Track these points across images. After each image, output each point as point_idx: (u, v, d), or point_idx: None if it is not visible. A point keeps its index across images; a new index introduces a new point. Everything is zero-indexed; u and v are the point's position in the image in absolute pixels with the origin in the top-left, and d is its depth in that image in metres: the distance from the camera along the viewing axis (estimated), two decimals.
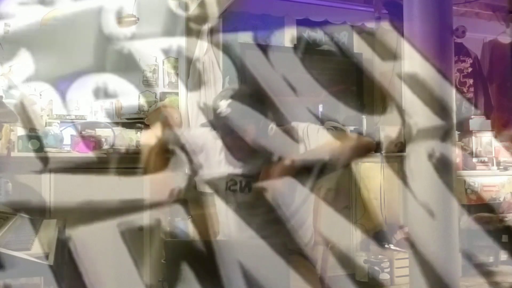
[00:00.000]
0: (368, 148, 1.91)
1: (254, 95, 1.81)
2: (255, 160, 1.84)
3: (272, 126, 1.80)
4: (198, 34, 3.70)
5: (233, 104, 1.72)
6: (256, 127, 1.77)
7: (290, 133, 1.89)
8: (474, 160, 4.33)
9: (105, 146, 3.44)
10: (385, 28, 4.30)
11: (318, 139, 1.84)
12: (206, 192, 2.02)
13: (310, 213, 1.98)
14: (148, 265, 3.25)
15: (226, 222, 1.93)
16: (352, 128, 4.21)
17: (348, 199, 3.94)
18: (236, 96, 1.76)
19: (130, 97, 3.74)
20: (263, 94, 1.85)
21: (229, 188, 1.90)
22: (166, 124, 1.85)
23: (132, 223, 3.01)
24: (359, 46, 4.66)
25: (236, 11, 3.96)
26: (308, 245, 1.96)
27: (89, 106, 3.60)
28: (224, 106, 1.72)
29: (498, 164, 4.42)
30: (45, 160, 3.12)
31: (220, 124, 1.77)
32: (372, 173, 3.99)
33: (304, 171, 1.76)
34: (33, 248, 1.66)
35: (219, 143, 1.89)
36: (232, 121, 1.73)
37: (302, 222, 1.91)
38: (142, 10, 3.67)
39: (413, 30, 2.44)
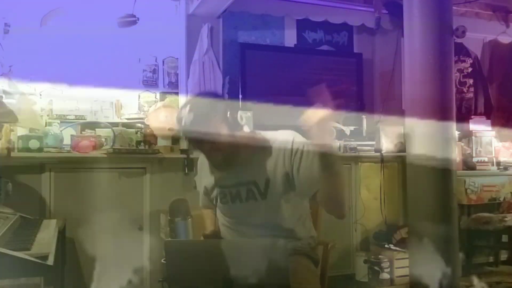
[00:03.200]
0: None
1: (209, 93, 1.86)
2: (238, 161, 1.78)
3: (241, 115, 1.74)
4: (198, 34, 3.70)
5: (194, 107, 1.69)
6: (225, 119, 1.70)
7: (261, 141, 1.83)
8: (474, 160, 4.34)
9: (105, 146, 3.44)
10: (385, 28, 4.30)
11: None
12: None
13: (308, 214, 1.97)
14: (148, 265, 3.26)
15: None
16: (352, 128, 4.21)
17: (348, 199, 3.93)
18: (193, 100, 1.77)
19: (130, 97, 3.74)
20: (217, 91, 1.85)
21: (221, 201, 1.88)
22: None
23: None
24: (359, 46, 4.66)
25: (236, 12, 3.96)
26: (310, 245, 1.95)
27: (89, 106, 3.60)
28: (185, 113, 1.67)
29: (498, 164, 4.42)
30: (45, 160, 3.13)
31: (191, 134, 1.71)
32: (372, 173, 3.99)
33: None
34: (33, 248, 1.66)
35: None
36: (200, 124, 1.67)
37: (302, 223, 1.91)
38: (142, 10, 3.67)
39: (413, 30, 2.44)
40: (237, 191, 1.83)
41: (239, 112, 1.75)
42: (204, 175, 1.95)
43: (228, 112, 1.71)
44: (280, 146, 1.80)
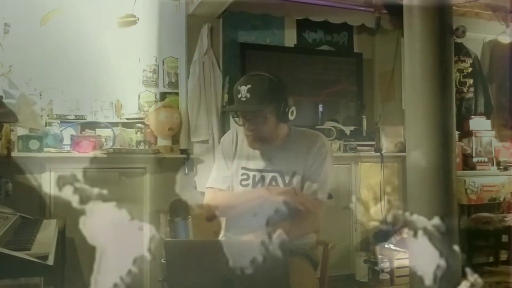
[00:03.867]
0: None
1: (274, 80, 1.80)
2: (272, 149, 1.85)
3: (293, 110, 1.82)
4: (198, 34, 3.70)
5: (254, 88, 1.75)
6: (276, 112, 1.79)
7: (310, 137, 1.91)
8: (474, 160, 4.34)
9: (105, 146, 3.44)
10: (385, 28, 4.30)
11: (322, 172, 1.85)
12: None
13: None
14: (148, 265, 3.26)
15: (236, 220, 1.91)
16: (352, 128, 4.22)
17: (348, 199, 3.94)
18: (256, 81, 1.78)
19: (130, 97, 3.74)
20: (282, 79, 1.86)
21: (241, 183, 1.89)
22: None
23: None
24: (359, 46, 4.66)
25: (236, 12, 3.96)
26: (311, 246, 1.95)
27: (89, 106, 3.60)
28: (244, 91, 1.75)
29: (498, 164, 4.43)
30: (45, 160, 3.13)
31: (240, 109, 1.80)
32: (372, 173, 3.99)
33: None
34: (33, 248, 1.66)
35: (231, 137, 1.94)
36: (252, 106, 1.76)
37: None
38: (142, 10, 3.67)
39: (413, 30, 2.44)
40: (262, 176, 1.86)
41: (292, 108, 1.82)
42: (230, 152, 1.94)
43: (283, 103, 1.79)
44: (311, 144, 1.88)
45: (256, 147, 1.86)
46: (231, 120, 3.62)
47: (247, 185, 1.87)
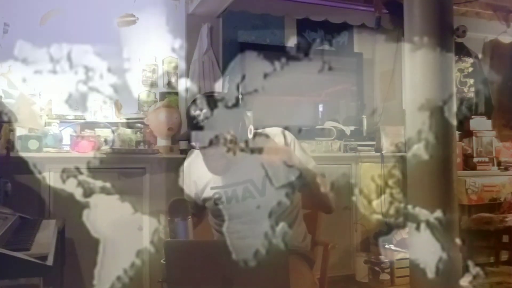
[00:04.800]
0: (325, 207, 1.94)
1: (230, 100, 1.76)
2: (236, 161, 1.80)
3: (251, 128, 1.78)
4: (198, 33, 3.70)
5: (209, 113, 1.70)
6: (235, 133, 1.74)
7: (271, 137, 1.86)
8: (475, 160, 4.33)
9: (105, 146, 3.44)
10: (385, 28, 4.30)
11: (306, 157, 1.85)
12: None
13: (299, 210, 1.96)
14: (148, 265, 3.25)
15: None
16: (352, 128, 4.21)
17: (348, 199, 3.93)
18: (212, 104, 1.72)
19: (130, 97, 3.73)
20: (236, 97, 1.83)
21: (215, 202, 1.86)
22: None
23: None
24: (359, 46, 4.66)
25: (236, 11, 3.96)
26: (303, 243, 1.94)
27: (89, 106, 3.60)
28: (200, 116, 1.70)
29: (499, 164, 4.43)
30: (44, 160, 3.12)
31: (197, 136, 1.74)
32: (372, 173, 3.99)
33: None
34: (33, 248, 1.66)
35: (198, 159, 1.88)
36: (210, 132, 1.70)
37: (292, 221, 1.89)
38: (142, 10, 3.67)
39: (414, 29, 2.44)
40: (233, 190, 1.82)
41: (250, 126, 1.78)
42: (195, 176, 1.92)
43: (241, 122, 1.75)
44: (274, 142, 1.83)
45: (215, 172, 1.82)
46: None
47: (222, 202, 1.84)
